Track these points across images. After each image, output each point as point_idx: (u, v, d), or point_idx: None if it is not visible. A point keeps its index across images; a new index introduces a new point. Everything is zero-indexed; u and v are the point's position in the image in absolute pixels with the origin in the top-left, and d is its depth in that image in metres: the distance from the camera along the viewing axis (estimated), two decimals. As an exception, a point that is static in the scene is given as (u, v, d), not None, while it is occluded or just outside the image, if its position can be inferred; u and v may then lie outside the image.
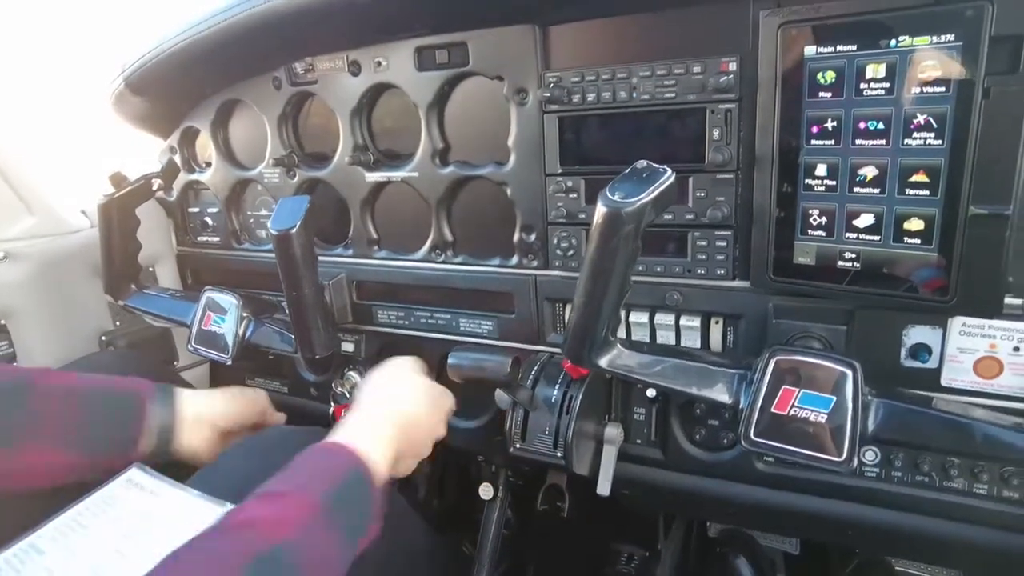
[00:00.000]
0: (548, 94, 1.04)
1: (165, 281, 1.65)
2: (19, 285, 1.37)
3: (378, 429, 0.91)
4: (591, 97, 1.03)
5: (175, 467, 0.99)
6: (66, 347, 1.43)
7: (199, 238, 1.62)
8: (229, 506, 0.83)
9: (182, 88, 1.42)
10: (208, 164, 1.52)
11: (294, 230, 1.08)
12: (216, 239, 1.58)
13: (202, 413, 1.09)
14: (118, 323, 1.55)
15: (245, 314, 1.28)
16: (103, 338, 1.51)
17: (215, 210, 1.56)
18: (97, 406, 0.99)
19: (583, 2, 1.02)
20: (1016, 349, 0.87)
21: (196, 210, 1.60)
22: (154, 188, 1.41)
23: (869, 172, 0.84)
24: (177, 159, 1.53)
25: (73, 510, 0.86)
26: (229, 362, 1.27)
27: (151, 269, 1.62)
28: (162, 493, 0.89)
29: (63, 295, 1.44)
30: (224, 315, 1.29)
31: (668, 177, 0.74)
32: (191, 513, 0.85)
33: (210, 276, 1.62)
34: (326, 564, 0.73)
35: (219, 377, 1.73)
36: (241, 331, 1.27)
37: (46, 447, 0.92)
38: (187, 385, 1.53)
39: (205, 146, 1.53)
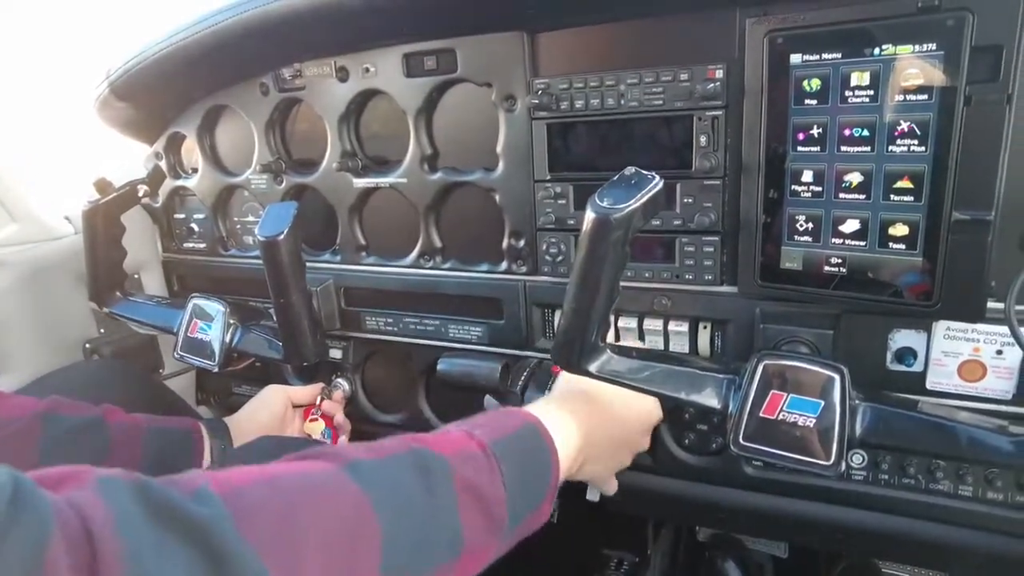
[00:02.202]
0: (536, 101, 1.05)
1: (151, 288, 1.63)
2: (1, 293, 1.35)
3: (563, 416, 0.84)
4: (579, 104, 1.03)
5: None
6: (49, 355, 1.41)
7: (185, 244, 1.60)
8: None
9: (168, 94, 1.41)
10: (194, 170, 1.51)
11: (281, 236, 1.07)
12: (202, 245, 1.57)
13: (244, 424, 1.20)
14: (102, 331, 1.53)
15: (232, 321, 1.27)
16: (87, 346, 1.49)
17: (201, 216, 1.55)
18: (158, 440, 1.07)
19: (571, 10, 1.03)
20: (999, 352, 0.88)
21: (182, 216, 1.59)
22: (139, 194, 1.40)
23: (854, 178, 0.85)
24: (163, 165, 1.52)
25: None
26: (216, 369, 1.26)
27: (136, 276, 1.60)
28: None
29: (46, 302, 1.42)
30: (211, 322, 1.28)
31: (656, 183, 0.75)
32: None
33: (196, 283, 1.61)
34: (484, 490, 0.65)
35: (205, 385, 1.71)
36: (228, 338, 1.26)
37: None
38: (174, 393, 1.52)
39: (191, 152, 1.52)
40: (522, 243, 1.16)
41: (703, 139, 0.96)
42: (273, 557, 0.47)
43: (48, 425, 0.95)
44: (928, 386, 0.93)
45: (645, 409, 0.96)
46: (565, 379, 0.98)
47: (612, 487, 1.03)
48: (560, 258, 1.12)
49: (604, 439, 0.90)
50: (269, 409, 1.26)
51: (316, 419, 1.33)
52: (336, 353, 1.43)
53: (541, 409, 0.83)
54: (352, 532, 0.54)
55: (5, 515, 0.39)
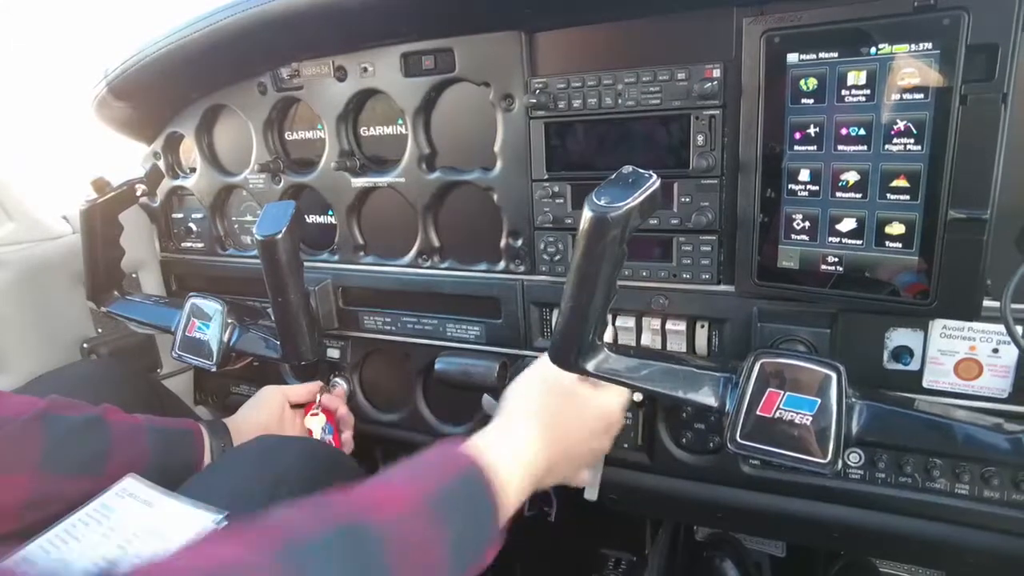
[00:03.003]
0: (534, 100, 1.05)
1: (149, 287, 1.63)
2: (-1, 292, 1.35)
3: (520, 441, 0.81)
4: (577, 103, 1.03)
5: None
6: (47, 355, 1.41)
7: (183, 244, 1.60)
8: (221, 514, 0.82)
9: (166, 93, 1.41)
10: (192, 170, 1.51)
11: (280, 235, 1.07)
12: (200, 245, 1.57)
13: (244, 423, 1.20)
14: (100, 330, 1.53)
15: (230, 320, 1.27)
16: (85, 345, 1.49)
17: (200, 216, 1.55)
18: (162, 439, 1.06)
19: (569, 9, 1.03)
20: (995, 351, 0.88)
21: (180, 216, 1.59)
22: (137, 194, 1.40)
23: (851, 177, 0.85)
24: (161, 164, 1.52)
25: (67, 521, 0.86)
26: (214, 369, 1.26)
27: (134, 275, 1.60)
28: (155, 503, 0.89)
29: (44, 302, 1.42)
30: (209, 321, 1.28)
31: (653, 182, 0.75)
32: (183, 523, 0.84)
33: (194, 282, 1.61)
34: (423, 554, 0.64)
35: (203, 384, 1.71)
36: (226, 337, 1.26)
37: (124, 474, 0.97)
38: (171, 393, 1.52)
39: (189, 151, 1.52)
40: (520, 242, 1.16)
41: (700, 138, 0.97)
42: None
43: (49, 424, 0.95)
44: (925, 384, 0.93)
45: (607, 406, 0.92)
46: (514, 393, 0.90)
47: (581, 480, 1.00)
48: (558, 257, 1.12)
49: (566, 448, 0.86)
50: (267, 409, 1.26)
51: (316, 414, 1.32)
52: (334, 353, 1.43)
53: (492, 437, 0.79)
54: None
55: None
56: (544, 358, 0.90)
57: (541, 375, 0.90)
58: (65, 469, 0.94)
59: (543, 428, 0.83)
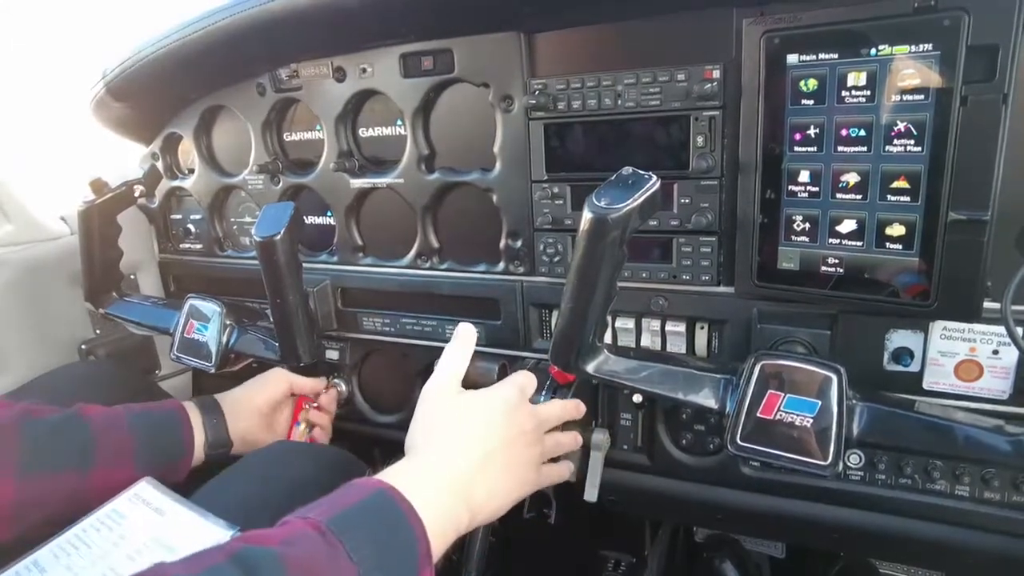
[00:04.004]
0: (534, 101, 1.05)
1: (147, 289, 1.63)
2: (-4, 293, 1.35)
3: (424, 461, 0.79)
4: (576, 104, 1.03)
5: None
6: (44, 356, 1.40)
7: (182, 245, 1.60)
8: (234, 529, 0.82)
9: (165, 94, 1.41)
10: (191, 170, 1.50)
11: (278, 236, 1.07)
12: (199, 246, 1.57)
13: (241, 401, 1.19)
14: (98, 332, 1.53)
15: (228, 322, 1.27)
16: (83, 347, 1.48)
17: (198, 217, 1.55)
18: (143, 426, 1.05)
19: (568, 10, 1.03)
20: (995, 352, 0.88)
21: (179, 217, 1.59)
22: (136, 195, 1.40)
23: (851, 178, 0.85)
24: (159, 165, 1.51)
25: (78, 526, 0.86)
26: (212, 370, 1.26)
27: (132, 277, 1.60)
28: (166, 511, 0.88)
29: (41, 303, 1.41)
30: (207, 323, 1.28)
31: (653, 184, 0.75)
32: (193, 533, 0.84)
33: (193, 283, 1.61)
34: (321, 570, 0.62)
35: (201, 386, 1.71)
36: (224, 339, 1.26)
37: (114, 466, 0.97)
38: (169, 395, 1.52)
39: (188, 152, 1.51)
40: (519, 243, 1.16)
41: (700, 139, 0.96)
42: None
43: (26, 427, 0.93)
44: (925, 386, 0.93)
45: (490, 400, 0.87)
46: (410, 432, 0.87)
47: (548, 479, 0.96)
48: (557, 258, 1.12)
49: (476, 453, 0.81)
50: (270, 392, 1.24)
51: (316, 406, 1.32)
52: (333, 354, 1.43)
53: (397, 467, 0.78)
54: None
55: None
56: (425, 391, 0.88)
57: (423, 408, 0.87)
58: (47, 467, 0.92)
59: (442, 442, 0.81)
